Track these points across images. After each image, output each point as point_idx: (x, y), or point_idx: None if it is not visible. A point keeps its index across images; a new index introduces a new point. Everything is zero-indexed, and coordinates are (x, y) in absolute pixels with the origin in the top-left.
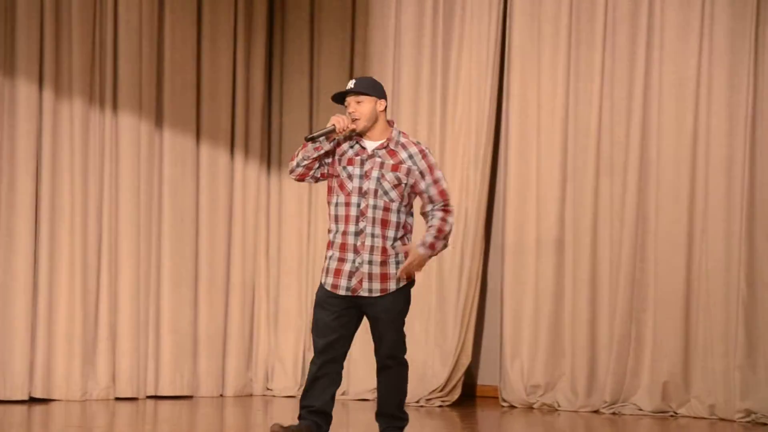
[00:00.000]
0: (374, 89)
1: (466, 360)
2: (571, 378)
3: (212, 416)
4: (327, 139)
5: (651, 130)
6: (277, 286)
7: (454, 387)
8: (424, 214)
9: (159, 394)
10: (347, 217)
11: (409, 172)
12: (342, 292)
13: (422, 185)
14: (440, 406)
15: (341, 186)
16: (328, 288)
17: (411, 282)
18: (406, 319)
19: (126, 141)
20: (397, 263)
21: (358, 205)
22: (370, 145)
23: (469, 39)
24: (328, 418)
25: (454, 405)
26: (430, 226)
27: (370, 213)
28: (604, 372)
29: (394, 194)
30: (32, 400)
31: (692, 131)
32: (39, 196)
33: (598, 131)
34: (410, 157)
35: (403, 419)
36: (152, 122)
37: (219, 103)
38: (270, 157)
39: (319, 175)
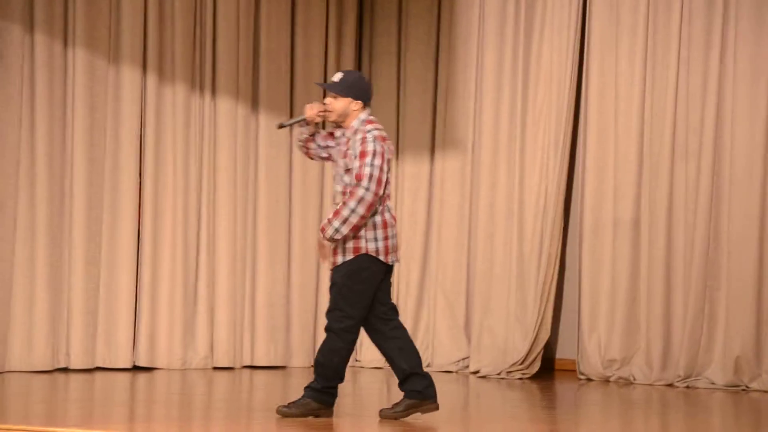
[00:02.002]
0: (351, 90)
1: (545, 335)
2: (646, 352)
3: (303, 385)
4: (300, 125)
5: (725, 116)
6: None
7: (534, 360)
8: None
9: (254, 364)
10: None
11: (353, 157)
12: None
13: (354, 165)
14: (520, 379)
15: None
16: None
17: (358, 258)
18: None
19: (224, 124)
20: (345, 240)
21: (335, 187)
22: (339, 134)
23: (550, 27)
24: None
25: (534, 377)
26: (336, 213)
27: (335, 196)
28: (678, 347)
29: (347, 179)
30: (135, 368)
31: (765, 118)
32: (142, 176)
33: (673, 117)
34: (355, 142)
35: (318, 381)
36: (248, 107)
37: (311, 89)
38: None
39: (324, 155)
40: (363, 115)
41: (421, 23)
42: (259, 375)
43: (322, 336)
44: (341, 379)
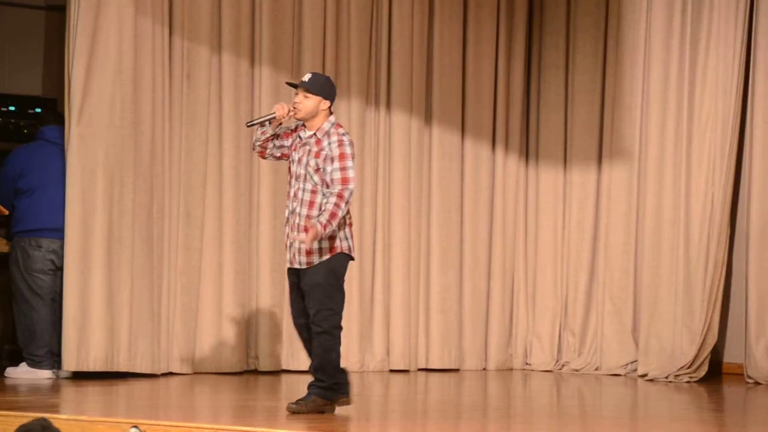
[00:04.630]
0: (323, 90)
1: (712, 339)
2: None
3: (476, 388)
4: (270, 124)
5: None
6: (534, 270)
7: (701, 364)
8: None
9: (429, 367)
10: (288, 196)
11: (325, 158)
12: (287, 264)
13: (327, 168)
14: (688, 382)
15: (289, 169)
16: (286, 264)
17: (336, 256)
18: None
19: (398, 137)
20: (321, 240)
21: (294, 187)
22: (304, 134)
23: (716, 39)
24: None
25: (701, 381)
26: (324, 210)
27: (300, 195)
28: None
29: (316, 178)
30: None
31: None
32: None
33: None
34: (329, 144)
35: (323, 381)
36: (422, 120)
37: (482, 103)
38: (528, 150)
39: (278, 155)
40: (332, 118)
41: (588, 38)
42: (433, 377)
43: (493, 339)
44: (343, 370)
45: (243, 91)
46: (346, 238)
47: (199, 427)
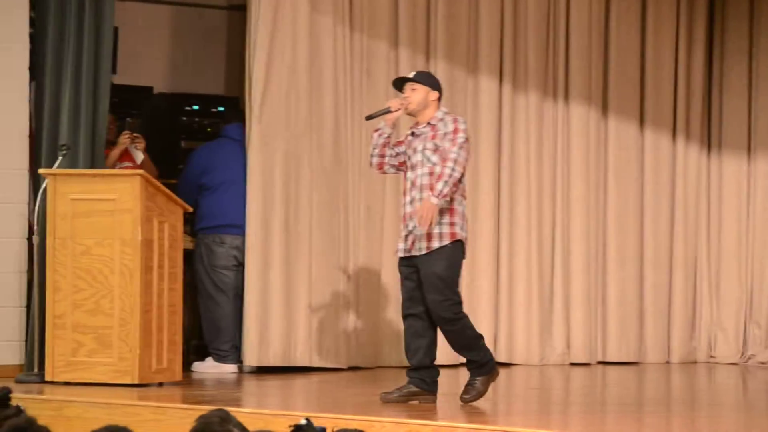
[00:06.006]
0: (429, 81)
1: None
2: None
3: (659, 381)
4: (386, 121)
5: None
6: (719, 261)
7: None
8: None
9: (608, 360)
10: (405, 190)
11: (444, 136)
12: (401, 254)
13: (445, 142)
14: None
15: (405, 166)
16: (399, 255)
17: (457, 242)
18: None
19: (576, 129)
20: (440, 224)
21: (410, 179)
22: (419, 129)
23: None
24: (430, 371)
25: None
26: (440, 175)
27: (418, 182)
28: None
29: (435, 158)
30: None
31: None
32: (500, 179)
33: None
34: (444, 124)
35: (476, 360)
36: (600, 111)
37: (661, 92)
38: (710, 139)
39: (397, 164)
40: (443, 108)
41: None
42: (613, 370)
43: (676, 332)
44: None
45: None
46: (462, 228)
47: (380, 421)
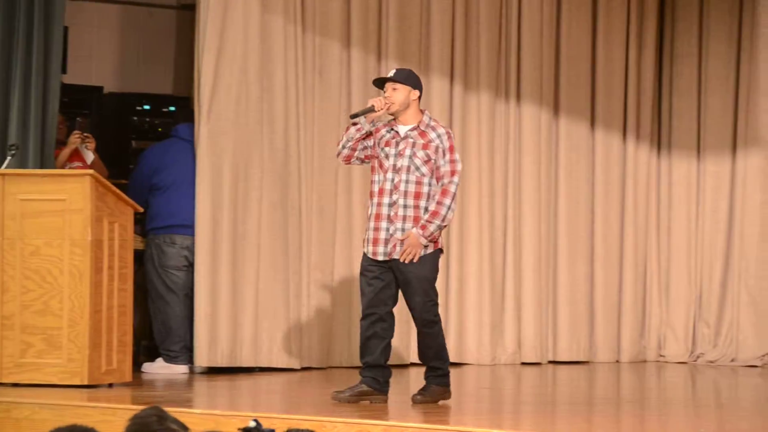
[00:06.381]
0: (410, 80)
1: None
2: None
3: (608, 380)
4: (367, 119)
5: None
6: (668, 261)
7: None
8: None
9: (559, 359)
10: (381, 191)
11: (436, 149)
12: (380, 257)
13: (441, 162)
14: None
15: (380, 165)
16: (369, 255)
17: (439, 249)
18: None
19: (527, 129)
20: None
21: (392, 180)
22: (403, 129)
23: None
24: (383, 371)
25: None
26: (428, 210)
27: (402, 187)
28: None
29: (425, 169)
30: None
31: None
32: None
33: None
34: (438, 136)
35: (441, 368)
36: (551, 112)
37: (612, 93)
38: (660, 140)
39: (363, 157)
40: (427, 112)
41: (722, 23)
42: (563, 370)
43: (626, 331)
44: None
45: (371, 86)
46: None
47: (332, 421)
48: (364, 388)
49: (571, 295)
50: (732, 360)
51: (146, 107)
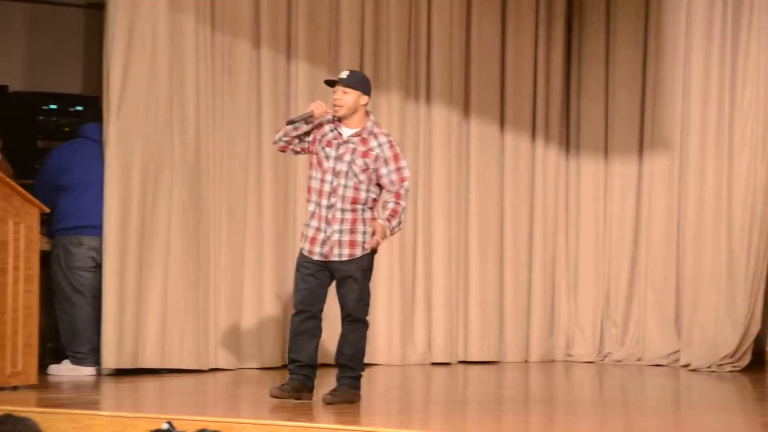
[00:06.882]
0: (362, 85)
1: (755, 328)
2: None
3: (517, 380)
4: (306, 122)
5: None
6: (576, 261)
7: (744, 353)
8: (383, 195)
9: (469, 359)
10: (321, 192)
11: (376, 158)
12: (316, 257)
13: (383, 171)
14: (731, 372)
15: (319, 163)
16: (306, 253)
17: (374, 251)
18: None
19: (438, 130)
20: (364, 233)
21: (331, 183)
22: (346, 132)
23: (758, 27)
24: (314, 370)
25: (744, 370)
26: (386, 208)
27: (340, 191)
28: None
29: (362, 177)
30: None
31: None
32: None
33: None
34: (379, 145)
35: (356, 370)
36: (461, 113)
37: (521, 94)
38: (568, 141)
39: (299, 149)
40: (372, 117)
41: (628, 27)
42: (474, 370)
43: (535, 331)
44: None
45: (281, 86)
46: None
47: (240, 423)
48: (298, 384)
49: (482, 296)
50: (638, 359)
51: (53, 106)
